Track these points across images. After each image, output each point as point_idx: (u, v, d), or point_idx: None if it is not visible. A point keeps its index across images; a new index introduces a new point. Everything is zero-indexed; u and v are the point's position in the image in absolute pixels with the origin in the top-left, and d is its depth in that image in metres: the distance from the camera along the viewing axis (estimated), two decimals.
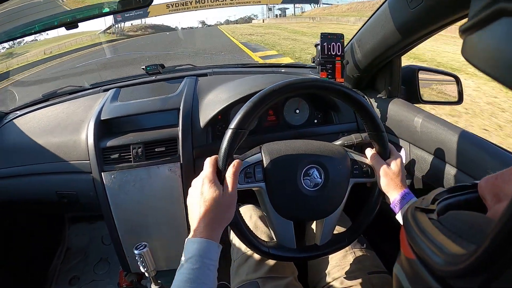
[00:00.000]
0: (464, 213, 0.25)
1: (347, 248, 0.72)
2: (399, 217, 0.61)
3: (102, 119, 0.94)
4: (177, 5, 59.80)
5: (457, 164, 0.66)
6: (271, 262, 0.71)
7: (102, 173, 0.91)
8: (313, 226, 0.78)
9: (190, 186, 0.55)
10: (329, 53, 0.91)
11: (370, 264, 0.72)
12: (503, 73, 0.17)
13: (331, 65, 0.91)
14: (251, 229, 0.61)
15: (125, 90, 1.11)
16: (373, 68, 0.91)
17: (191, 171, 0.91)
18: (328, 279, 0.72)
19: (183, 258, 0.47)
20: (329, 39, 0.91)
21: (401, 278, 0.27)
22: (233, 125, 0.55)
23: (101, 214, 0.96)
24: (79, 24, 0.78)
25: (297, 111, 1.00)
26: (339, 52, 0.91)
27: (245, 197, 0.74)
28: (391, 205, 0.61)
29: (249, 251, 0.75)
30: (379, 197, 0.65)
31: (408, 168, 0.80)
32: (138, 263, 0.79)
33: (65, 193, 0.99)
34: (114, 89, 1.10)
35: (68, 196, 0.99)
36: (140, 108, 0.96)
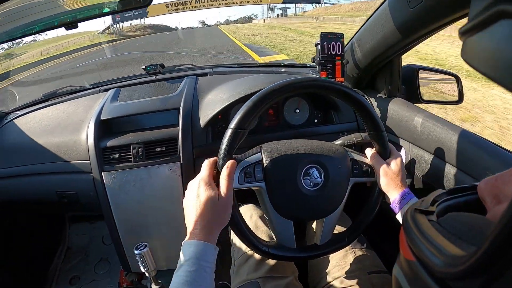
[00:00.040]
0: (464, 215, 0.25)
1: (347, 247, 0.72)
2: (399, 217, 0.61)
3: (102, 119, 0.94)
4: (176, 4, 59.45)
5: (457, 163, 0.66)
6: (272, 261, 0.71)
7: (102, 173, 0.91)
8: (313, 225, 0.79)
9: None
10: (329, 52, 0.91)
11: (370, 263, 0.72)
12: (503, 75, 0.17)
13: (331, 65, 0.91)
14: (252, 228, 0.61)
15: (125, 90, 1.11)
16: (373, 67, 0.91)
17: (191, 170, 0.91)
18: (328, 278, 0.72)
19: (180, 261, 0.47)
20: (329, 39, 0.91)
21: (400, 279, 0.27)
22: (233, 124, 0.55)
23: (102, 214, 0.96)
24: (79, 24, 0.78)
25: (297, 110, 1.00)
26: (339, 51, 0.91)
27: (245, 196, 0.74)
28: (391, 205, 0.61)
29: (249, 251, 0.75)
30: (379, 196, 0.65)
31: (408, 168, 0.80)
32: (139, 263, 0.79)
33: (65, 193, 0.99)
34: (114, 89, 1.10)
35: (69, 196, 0.99)
36: (140, 108, 0.97)
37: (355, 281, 0.68)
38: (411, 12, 0.65)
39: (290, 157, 0.61)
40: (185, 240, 0.49)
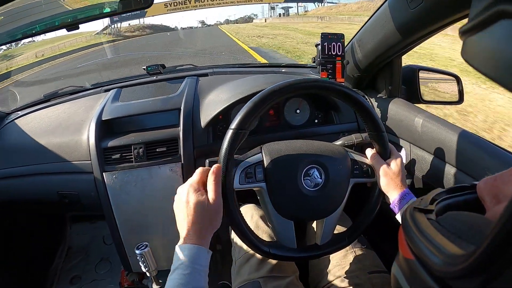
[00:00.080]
0: (463, 214, 0.25)
1: (347, 247, 0.72)
2: (399, 217, 0.61)
3: (103, 119, 0.94)
4: (175, 4, 59.04)
5: (457, 164, 0.66)
6: (273, 261, 0.71)
7: (103, 173, 0.91)
8: (314, 226, 0.79)
9: None
10: (330, 53, 0.91)
11: (370, 263, 0.72)
12: (503, 74, 0.18)
13: (331, 65, 0.91)
14: (252, 228, 0.61)
15: (126, 90, 1.11)
16: (374, 68, 0.91)
17: (192, 171, 0.90)
18: (329, 278, 0.72)
19: (174, 264, 0.48)
20: (330, 39, 0.91)
21: (399, 278, 0.27)
22: (234, 125, 0.55)
23: (103, 214, 0.96)
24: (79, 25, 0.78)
25: (298, 111, 1.00)
26: (339, 52, 0.91)
27: (246, 196, 0.74)
28: (391, 205, 0.61)
29: (250, 251, 0.75)
30: (379, 197, 0.65)
31: (409, 168, 0.80)
32: (140, 262, 0.79)
33: (66, 193, 0.99)
34: (115, 89, 1.10)
35: (70, 196, 0.99)
36: (141, 108, 0.97)
37: (355, 281, 0.68)
38: (412, 12, 0.65)
39: (290, 157, 0.61)
40: (178, 244, 0.50)
